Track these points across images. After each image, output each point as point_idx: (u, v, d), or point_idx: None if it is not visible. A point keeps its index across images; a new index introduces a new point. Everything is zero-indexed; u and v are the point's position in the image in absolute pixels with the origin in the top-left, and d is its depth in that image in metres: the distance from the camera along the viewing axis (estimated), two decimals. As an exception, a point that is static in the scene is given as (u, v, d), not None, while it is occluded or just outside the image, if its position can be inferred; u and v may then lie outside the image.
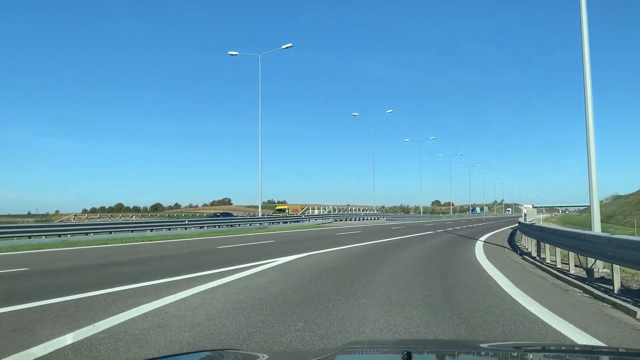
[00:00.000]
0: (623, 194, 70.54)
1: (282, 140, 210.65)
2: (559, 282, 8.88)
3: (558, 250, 10.94)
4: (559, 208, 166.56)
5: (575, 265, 10.16)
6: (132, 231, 26.45)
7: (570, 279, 8.88)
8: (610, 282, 8.56)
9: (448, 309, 6.39)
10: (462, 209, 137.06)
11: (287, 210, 59.58)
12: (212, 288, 7.93)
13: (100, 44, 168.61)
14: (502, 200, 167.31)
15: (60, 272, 10.16)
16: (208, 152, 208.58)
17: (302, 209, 67.58)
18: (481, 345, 2.72)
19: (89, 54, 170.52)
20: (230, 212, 68.59)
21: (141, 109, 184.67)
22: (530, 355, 2.16)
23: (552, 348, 3.44)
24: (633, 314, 6.11)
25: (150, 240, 21.02)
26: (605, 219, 64.55)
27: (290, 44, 36.60)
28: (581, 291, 7.84)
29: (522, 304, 6.68)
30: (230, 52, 37.49)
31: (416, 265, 11.21)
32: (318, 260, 12.22)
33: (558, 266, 10.74)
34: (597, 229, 9.90)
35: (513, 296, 7.24)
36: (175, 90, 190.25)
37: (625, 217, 46.80)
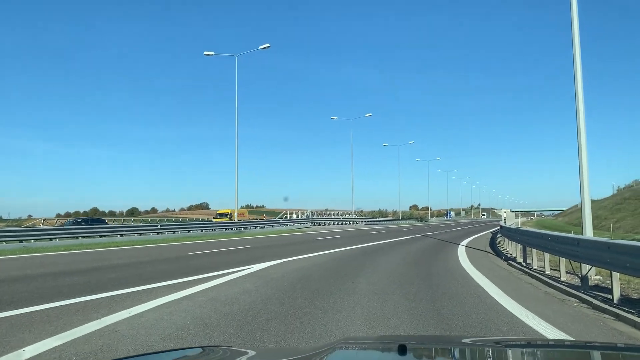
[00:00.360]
0: (597, 199, 71.61)
1: (260, 144, 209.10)
2: (552, 290, 8.30)
3: (547, 255, 10.40)
4: (534, 212, 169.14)
5: (566, 272, 9.63)
6: (101, 236, 25.18)
7: (563, 286, 8.32)
8: (606, 289, 8.04)
9: (438, 323, 5.72)
10: (440, 214, 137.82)
11: (230, 215, 48.48)
12: (174, 300, 7.09)
13: (74, 46, 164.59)
14: (479, 205, 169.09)
15: (7, 282, 9.15)
16: (186, 156, 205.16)
17: (247, 212, 58.85)
18: (463, 340, 2.80)
19: (62, 56, 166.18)
20: (101, 218, 47.04)
21: (119, 112, 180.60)
22: (510, 351, 2.14)
23: (539, 343, 3.58)
24: (641, 328, 5.53)
25: (118, 246, 19.94)
26: (581, 224, 65.09)
27: (267, 45, 35.81)
28: (578, 301, 7.26)
29: (519, 316, 6.04)
30: (206, 52, 36.51)
31: (399, 272, 10.55)
32: (295, 267, 11.46)
33: (547, 272, 10.21)
34: (588, 233, 9.38)
35: (507, 307, 6.60)
36: (153, 94, 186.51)
37: (601, 222, 47.23)
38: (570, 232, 19.99)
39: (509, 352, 2.12)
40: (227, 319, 5.90)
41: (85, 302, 7.02)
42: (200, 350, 2.82)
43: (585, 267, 8.20)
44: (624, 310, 6.20)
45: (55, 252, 16.71)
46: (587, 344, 3.01)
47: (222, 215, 51.15)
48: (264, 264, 11.84)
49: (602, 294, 7.52)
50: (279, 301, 7.01)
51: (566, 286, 8.36)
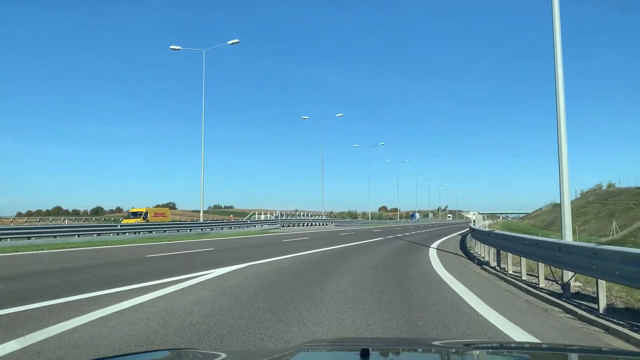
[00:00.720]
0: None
1: (229, 145, 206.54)
2: (532, 298, 7.82)
3: (523, 260, 9.97)
4: (500, 215, 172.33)
5: (545, 278, 9.20)
6: (56, 236, 23.70)
7: (543, 294, 7.84)
8: (588, 297, 7.63)
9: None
10: (408, 215, 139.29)
11: (145, 215, 42.63)
12: (119, 312, 6.25)
13: (35, 44, 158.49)
14: (446, 207, 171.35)
15: None
16: (153, 155, 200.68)
17: (168, 212, 48.85)
18: (433, 342, 2.80)
19: (24, 54, 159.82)
20: None
21: (85, 110, 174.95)
22: (477, 352, 2.06)
23: (512, 345, 3.51)
24: (636, 342, 5.04)
25: (72, 247, 18.71)
26: (547, 226, 66.49)
27: (237, 40, 34.85)
28: (561, 310, 6.77)
29: (503, 330, 5.48)
30: (172, 47, 35.29)
31: (370, 277, 9.92)
32: (259, 272, 10.70)
33: (524, 278, 9.77)
34: (568, 237, 8.96)
35: (489, 319, 6.03)
36: (119, 91, 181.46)
37: (565, 224, 48.00)
38: (537, 234, 19.93)
39: (477, 353, 2.03)
40: (176, 335, 5.12)
41: (14, 314, 6.11)
42: (169, 352, 2.75)
43: (567, 274, 7.75)
44: (613, 322, 5.72)
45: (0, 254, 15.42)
46: (567, 347, 2.90)
47: (135, 215, 43.48)
48: (227, 269, 11.04)
49: (586, 303, 7.07)
50: (237, 313, 6.26)
51: (547, 294, 7.89)
